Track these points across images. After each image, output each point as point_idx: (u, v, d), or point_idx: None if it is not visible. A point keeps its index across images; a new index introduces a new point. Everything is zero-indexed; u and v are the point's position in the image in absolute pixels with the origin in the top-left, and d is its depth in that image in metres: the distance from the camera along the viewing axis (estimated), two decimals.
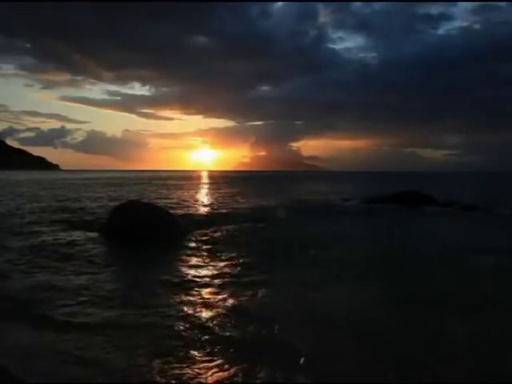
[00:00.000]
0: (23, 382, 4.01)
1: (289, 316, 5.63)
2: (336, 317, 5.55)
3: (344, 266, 8.20)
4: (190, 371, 4.14)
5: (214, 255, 9.49)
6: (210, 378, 4.02)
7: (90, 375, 4.09)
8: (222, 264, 8.63)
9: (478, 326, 5.31)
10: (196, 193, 35.59)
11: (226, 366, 4.23)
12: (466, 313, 5.70)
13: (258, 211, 19.17)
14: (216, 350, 4.61)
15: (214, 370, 4.15)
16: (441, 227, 14.70)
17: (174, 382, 3.96)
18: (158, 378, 4.01)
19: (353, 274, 7.72)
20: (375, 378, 4.08)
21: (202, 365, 4.27)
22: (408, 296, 6.34)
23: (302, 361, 4.30)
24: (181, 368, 4.19)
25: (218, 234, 12.59)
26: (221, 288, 6.82)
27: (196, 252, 9.80)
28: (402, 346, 4.77)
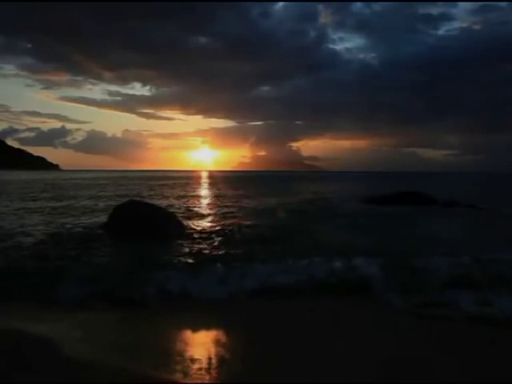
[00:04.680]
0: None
1: None
2: None
3: None
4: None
5: (206, 250, 9.75)
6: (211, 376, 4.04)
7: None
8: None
9: None
10: (196, 192, 35.57)
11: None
12: None
13: (257, 210, 19.18)
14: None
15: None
16: (441, 226, 14.66)
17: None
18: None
19: None
20: None
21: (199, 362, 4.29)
22: None
23: None
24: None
25: (219, 232, 12.58)
26: None
27: (194, 251, 9.80)
28: None
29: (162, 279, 6.66)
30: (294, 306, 6.04)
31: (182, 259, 8.79)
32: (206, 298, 6.22)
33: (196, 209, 20.60)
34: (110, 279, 6.78)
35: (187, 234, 12.19)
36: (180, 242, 11.03)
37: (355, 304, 6.15)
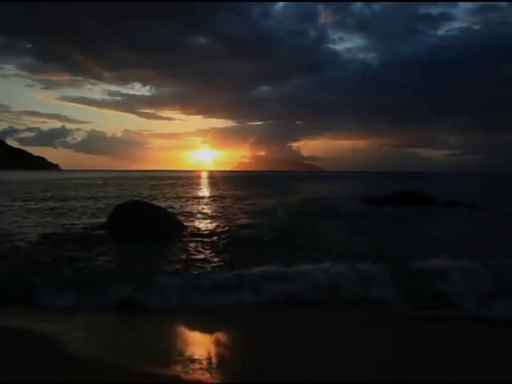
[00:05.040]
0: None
1: None
2: None
3: None
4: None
5: (205, 249, 9.91)
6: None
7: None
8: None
9: None
10: (196, 192, 35.54)
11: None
12: None
13: (257, 211, 19.16)
14: None
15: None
16: (442, 226, 14.64)
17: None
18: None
19: None
20: None
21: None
22: None
23: None
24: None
25: (219, 232, 12.56)
26: None
27: (194, 253, 9.77)
28: None
29: (162, 284, 6.60)
30: (295, 310, 6.02)
31: (182, 262, 8.72)
32: (205, 303, 6.17)
33: (196, 209, 20.59)
34: (110, 282, 6.73)
35: (187, 234, 12.18)
36: (180, 242, 11.03)
37: (357, 307, 6.13)
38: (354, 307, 6.11)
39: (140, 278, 6.81)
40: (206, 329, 5.31)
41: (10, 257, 9.00)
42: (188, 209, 20.42)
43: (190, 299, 6.26)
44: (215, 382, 3.94)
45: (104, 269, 7.91)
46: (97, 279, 6.94)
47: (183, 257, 9.20)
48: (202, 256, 9.36)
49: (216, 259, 9.03)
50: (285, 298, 6.37)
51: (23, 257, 9.03)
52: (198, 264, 8.53)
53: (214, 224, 14.48)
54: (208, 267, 8.28)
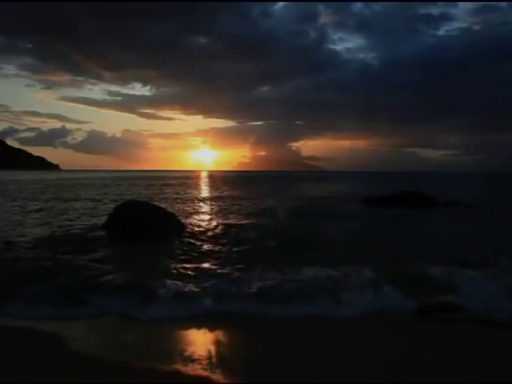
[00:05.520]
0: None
1: None
2: None
3: None
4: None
5: (205, 251, 9.96)
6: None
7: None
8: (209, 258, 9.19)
9: None
10: (196, 192, 35.55)
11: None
12: None
13: (257, 211, 19.17)
14: None
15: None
16: (442, 227, 14.64)
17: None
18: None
19: None
20: None
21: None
22: None
23: None
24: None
25: (219, 232, 12.56)
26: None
27: (194, 255, 9.70)
28: None
29: (161, 292, 6.49)
30: (296, 313, 5.98)
31: (181, 267, 8.42)
32: (205, 311, 6.07)
33: (196, 209, 20.60)
34: (107, 289, 6.64)
35: (187, 234, 12.16)
36: (180, 243, 10.95)
37: (358, 308, 6.09)
38: (355, 309, 6.09)
39: (139, 285, 6.66)
40: (205, 331, 5.32)
41: (4, 259, 8.88)
42: (188, 209, 20.42)
43: (190, 308, 6.12)
44: (215, 380, 3.95)
45: (102, 273, 7.65)
46: (94, 286, 6.79)
47: (183, 261, 8.92)
48: (202, 260, 9.11)
49: (215, 262, 8.85)
50: (285, 301, 6.30)
51: (20, 259, 8.85)
52: (198, 269, 8.23)
53: (214, 224, 14.45)
54: (208, 272, 8.00)
